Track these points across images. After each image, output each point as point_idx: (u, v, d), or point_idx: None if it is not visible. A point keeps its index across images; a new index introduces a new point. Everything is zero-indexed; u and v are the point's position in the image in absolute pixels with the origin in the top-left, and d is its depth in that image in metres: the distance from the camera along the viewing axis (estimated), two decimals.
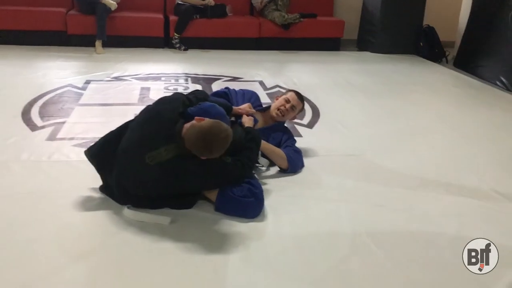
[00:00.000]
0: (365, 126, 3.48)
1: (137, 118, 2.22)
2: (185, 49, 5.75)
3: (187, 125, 2.05)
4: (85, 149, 2.30)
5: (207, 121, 2.02)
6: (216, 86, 4.28)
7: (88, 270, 1.77)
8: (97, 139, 2.30)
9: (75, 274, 1.73)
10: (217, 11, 5.90)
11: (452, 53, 6.11)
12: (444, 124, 3.60)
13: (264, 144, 2.56)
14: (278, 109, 2.78)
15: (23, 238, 1.91)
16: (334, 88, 4.49)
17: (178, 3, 5.86)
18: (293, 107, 2.80)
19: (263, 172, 2.62)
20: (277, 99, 2.89)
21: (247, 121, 2.53)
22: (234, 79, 4.60)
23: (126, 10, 5.81)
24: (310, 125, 3.44)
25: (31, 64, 4.72)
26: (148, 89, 4.09)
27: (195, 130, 1.99)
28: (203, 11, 5.82)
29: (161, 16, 5.81)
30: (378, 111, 3.84)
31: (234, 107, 2.63)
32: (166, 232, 2.01)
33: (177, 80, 4.45)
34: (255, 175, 2.46)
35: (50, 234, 1.95)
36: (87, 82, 4.20)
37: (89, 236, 1.98)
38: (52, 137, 2.93)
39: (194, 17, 5.80)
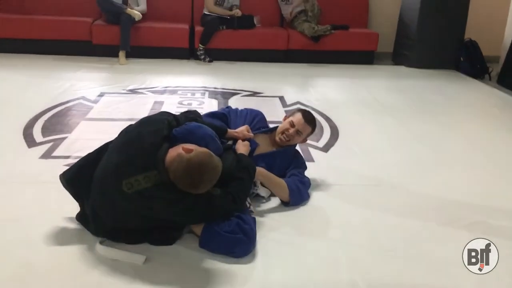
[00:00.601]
0: (387, 151, 3.17)
1: (116, 139, 2.02)
2: (210, 61, 5.59)
3: (172, 153, 1.83)
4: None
5: (195, 153, 1.79)
6: (233, 101, 4.07)
7: None
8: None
9: None
10: (244, 22, 5.71)
11: (495, 69, 5.64)
12: (478, 152, 3.23)
13: (262, 173, 2.31)
14: (282, 134, 2.50)
15: None
16: (359, 106, 4.18)
17: (204, 14, 5.71)
18: (298, 132, 2.50)
19: (263, 203, 2.37)
20: (284, 119, 2.60)
21: (241, 147, 2.27)
22: (254, 94, 4.38)
23: (152, 20, 5.71)
24: (326, 148, 3.16)
25: (51, 74, 4.66)
26: (161, 103, 3.93)
27: (182, 163, 1.77)
28: (230, 22, 5.64)
29: (186, 26, 5.67)
30: (404, 134, 3.51)
31: (229, 130, 2.38)
32: (140, 273, 1.81)
33: (193, 94, 4.27)
34: (251, 206, 2.21)
35: (5, 272, 1.77)
36: (101, 94, 4.08)
37: (50, 277, 1.77)
38: (47, 155, 2.79)
39: (220, 28, 5.63)
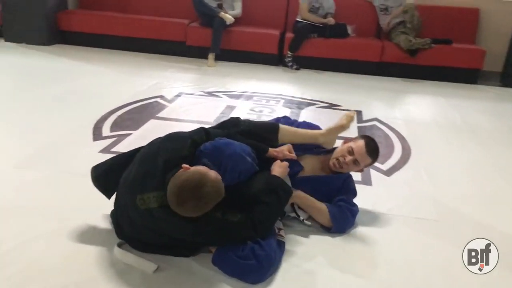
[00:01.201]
0: (461, 182, 2.82)
1: (142, 149, 1.99)
2: (297, 68, 5.48)
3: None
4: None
5: (189, 171, 1.69)
6: (305, 112, 3.93)
7: None
8: None
9: None
10: (337, 31, 5.51)
11: None
12: None
13: (299, 195, 2.15)
14: (337, 159, 2.26)
15: None
16: (445, 128, 3.79)
17: (296, 20, 5.61)
18: (355, 162, 2.22)
19: (302, 226, 2.20)
20: (344, 143, 2.34)
21: (276, 169, 2.05)
22: (331, 106, 4.18)
23: (245, 24, 5.75)
24: (390, 172, 2.89)
25: (141, 72, 4.89)
26: (232, 108, 3.91)
27: (172, 181, 1.68)
28: (322, 30, 5.47)
29: (277, 32, 5.62)
30: (489, 166, 3.10)
31: (270, 149, 2.16)
32: (147, 281, 1.76)
33: (268, 101, 4.19)
34: (281, 231, 2.04)
35: (21, 262, 1.83)
36: (179, 95, 4.18)
37: (59, 272, 1.79)
38: (106, 150, 2.89)
39: (312, 36, 5.49)
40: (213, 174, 1.70)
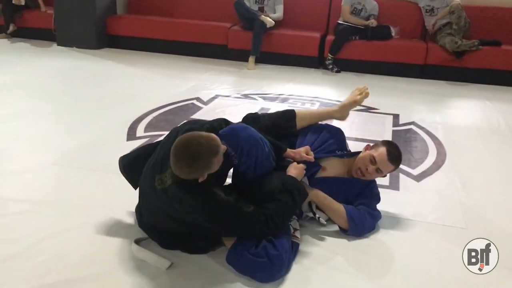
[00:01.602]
0: (498, 190, 2.70)
1: (165, 136, 2.06)
2: (337, 71, 5.42)
3: None
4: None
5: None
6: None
7: None
8: None
9: None
10: (379, 33, 5.40)
11: None
12: None
13: (318, 194, 2.13)
14: (359, 169, 2.22)
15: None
16: (487, 134, 3.63)
17: (338, 23, 5.56)
18: (378, 170, 2.20)
19: (319, 228, 2.19)
20: (365, 150, 2.30)
21: (291, 170, 2.05)
22: (368, 109, 4.11)
23: (286, 27, 5.77)
24: (420, 177, 2.81)
25: (181, 74, 5.01)
26: (266, 110, 3.91)
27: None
28: (363, 32, 5.39)
29: (317, 35, 5.58)
30: None
31: (288, 149, 2.16)
32: (158, 278, 1.81)
33: (303, 104, 4.17)
34: (297, 232, 2.05)
35: (48, 253, 1.92)
36: (215, 97, 4.24)
37: (81, 264, 1.87)
38: None
39: (353, 38, 5.42)
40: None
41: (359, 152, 2.34)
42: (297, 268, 1.89)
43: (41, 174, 2.63)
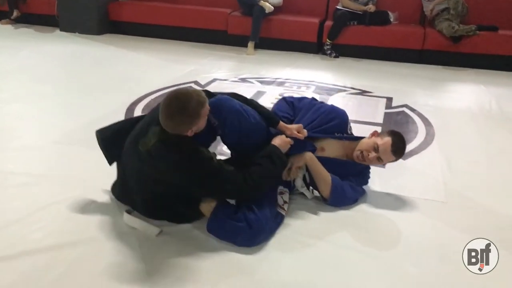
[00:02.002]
0: (479, 169, 2.78)
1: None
2: (336, 56, 5.49)
3: None
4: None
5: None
6: (335, 98, 3.97)
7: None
8: None
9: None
10: (377, 18, 5.45)
11: None
12: None
13: (312, 158, 2.20)
14: (361, 152, 2.27)
15: None
16: (478, 116, 3.70)
17: (336, 8, 5.61)
18: (379, 159, 2.25)
19: (305, 200, 2.29)
20: (371, 136, 2.35)
21: (276, 140, 2.13)
22: (362, 92, 4.18)
23: (286, 13, 5.82)
24: (406, 156, 2.86)
25: (181, 59, 5.09)
26: (262, 93, 4.01)
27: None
28: (362, 18, 5.44)
29: (316, 20, 5.64)
30: None
31: (281, 123, 2.22)
32: (148, 245, 1.91)
33: (299, 87, 4.26)
34: (285, 204, 2.14)
35: (41, 222, 2.05)
36: (212, 80, 4.33)
37: (63, 232, 2.00)
38: None
39: (351, 23, 5.47)
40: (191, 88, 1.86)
41: (361, 137, 2.39)
42: (279, 237, 1.98)
43: (40, 151, 2.74)
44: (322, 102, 2.67)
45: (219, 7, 5.94)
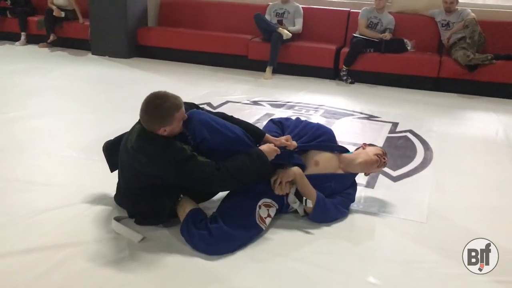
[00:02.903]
0: (469, 194, 2.80)
1: None
2: (351, 82, 5.59)
3: None
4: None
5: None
6: (341, 122, 4.08)
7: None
8: None
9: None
10: (393, 46, 5.55)
11: None
12: None
13: (300, 174, 2.29)
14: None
15: None
16: (481, 144, 3.71)
17: (353, 35, 5.74)
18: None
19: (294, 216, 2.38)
20: (365, 147, 2.59)
21: (263, 146, 2.23)
22: (369, 117, 4.26)
23: (305, 39, 6.00)
24: (397, 178, 2.95)
25: (199, 82, 5.32)
26: (271, 115, 4.15)
27: None
28: (377, 45, 5.55)
29: (333, 47, 5.78)
30: (509, 183, 3.02)
31: (267, 135, 2.35)
32: (129, 249, 2.07)
33: (307, 111, 4.38)
34: (267, 218, 2.23)
35: (46, 225, 2.25)
36: (225, 102, 4.52)
37: (62, 234, 2.18)
38: None
39: (367, 50, 5.59)
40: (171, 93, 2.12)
41: (346, 150, 2.59)
42: (254, 252, 2.09)
43: (51, 161, 2.98)
44: (307, 121, 2.79)
45: (241, 34, 6.18)
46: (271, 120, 2.74)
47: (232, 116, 2.40)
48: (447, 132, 3.94)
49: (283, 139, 2.36)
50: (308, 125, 2.68)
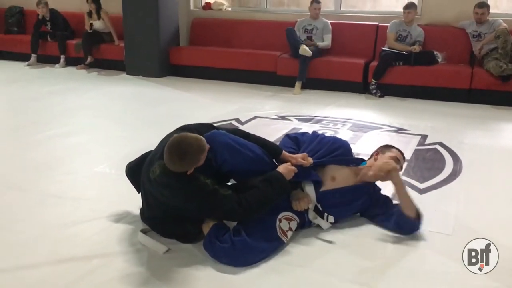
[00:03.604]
0: (498, 207, 2.73)
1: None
2: (381, 96, 5.56)
3: None
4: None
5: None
6: (368, 135, 4.06)
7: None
8: None
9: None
10: (423, 59, 5.50)
11: None
12: None
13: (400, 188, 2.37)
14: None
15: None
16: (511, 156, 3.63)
17: (382, 49, 5.73)
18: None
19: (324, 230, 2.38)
20: (376, 155, 2.58)
21: (280, 167, 2.28)
22: (398, 130, 4.23)
23: (335, 54, 6.04)
24: (424, 191, 2.92)
25: (228, 98, 5.42)
26: (297, 130, 4.18)
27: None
28: (407, 58, 5.52)
29: (361, 61, 5.78)
30: None
31: (284, 153, 2.39)
32: (153, 260, 2.14)
33: (335, 124, 4.39)
34: (289, 232, 2.25)
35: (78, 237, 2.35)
36: (253, 118, 4.58)
37: (89, 245, 2.28)
38: None
39: (396, 64, 5.56)
40: (194, 134, 2.07)
41: (363, 160, 2.61)
42: (275, 264, 2.12)
43: (84, 176, 3.10)
44: (323, 134, 2.82)
45: (270, 50, 6.27)
46: (287, 135, 2.78)
47: (249, 134, 2.45)
48: (478, 144, 3.86)
49: (299, 158, 2.39)
50: (323, 139, 2.69)
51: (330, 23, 6.10)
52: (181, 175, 2.06)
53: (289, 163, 2.34)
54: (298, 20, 6.25)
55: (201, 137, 2.09)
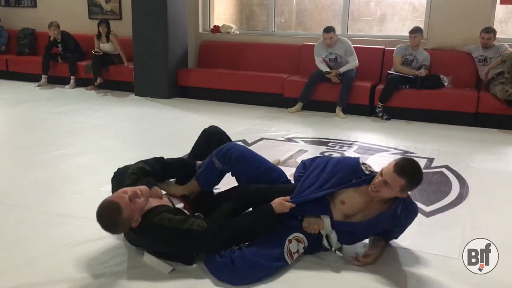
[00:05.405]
0: (503, 230, 2.72)
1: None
2: (387, 119, 5.58)
3: None
4: None
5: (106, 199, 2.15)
6: (373, 158, 4.06)
7: None
8: None
9: None
10: (429, 82, 5.53)
11: None
12: None
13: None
14: (373, 184, 2.22)
15: None
16: None
17: (388, 72, 5.78)
18: (386, 183, 2.14)
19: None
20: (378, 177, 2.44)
21: (276, 201, 2.27)
22: (404, 153, 4.24)
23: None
24: (431, 214, 2.91)
25: (235, 120, 5.45)
26: (304, 151, 4.20)
27: None
28: (413, 82, 5.55)
29: (368, 84, 5.82)
30: None
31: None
32: (159, 279, 2.15)
33: (341, 147, 4.40)
34: (295, 254, 2.25)
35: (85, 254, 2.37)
36: (260, 139, 4.61)
37: (96, 263, 2.30)
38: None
39: (403, 87, 5.59)
40: (108, 200, 2.12)
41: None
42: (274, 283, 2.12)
43: (90, 195, 3.11)
44: (332, 158, 2.64)
45: (277, 73, 6.34)
46: (303, 161, 2.72)
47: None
48: (485, 167, 3.85)
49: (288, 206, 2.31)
50: (328, 163, 2.52)
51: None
52: (143, 227, 2.12)
53: (287, 197, 2.32)
54: (314, 44, 6.07)
55: (115, 199, 2.11)
